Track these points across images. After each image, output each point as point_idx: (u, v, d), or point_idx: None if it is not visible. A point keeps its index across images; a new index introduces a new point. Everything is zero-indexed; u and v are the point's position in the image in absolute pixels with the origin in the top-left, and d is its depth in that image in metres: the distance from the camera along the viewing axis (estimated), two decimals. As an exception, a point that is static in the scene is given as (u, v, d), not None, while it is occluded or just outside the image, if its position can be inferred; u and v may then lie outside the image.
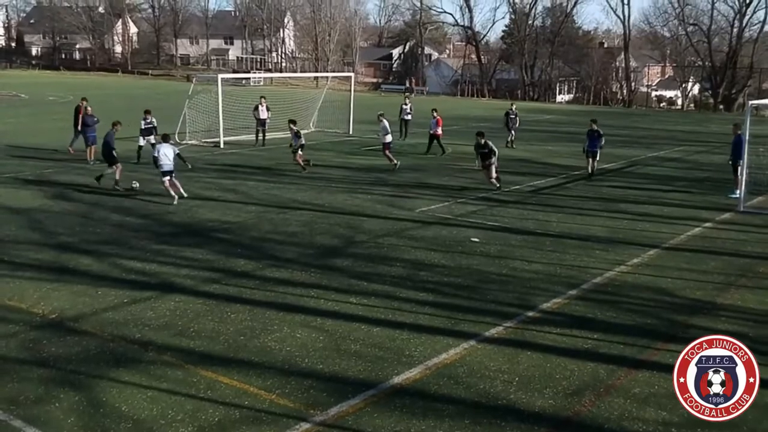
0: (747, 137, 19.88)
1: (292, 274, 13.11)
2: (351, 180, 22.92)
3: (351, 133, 35.79)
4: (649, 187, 22.06)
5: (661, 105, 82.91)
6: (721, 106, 73.52)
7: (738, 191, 20.34)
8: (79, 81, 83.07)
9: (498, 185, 21.37)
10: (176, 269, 13.14)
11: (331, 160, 26.82)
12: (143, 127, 25.36)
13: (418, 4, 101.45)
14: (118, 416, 7.90)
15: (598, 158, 24.18)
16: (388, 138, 25.10)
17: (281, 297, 11.84)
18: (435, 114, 29.37)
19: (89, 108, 25.52)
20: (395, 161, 24.92)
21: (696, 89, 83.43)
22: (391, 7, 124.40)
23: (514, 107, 33.47)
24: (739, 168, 20.37)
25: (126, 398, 8.29)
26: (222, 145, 29.86)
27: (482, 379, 8.99)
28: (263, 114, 30.81)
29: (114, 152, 20.47)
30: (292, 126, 24.28)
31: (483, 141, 21.37)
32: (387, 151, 25.07)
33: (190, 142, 30.65)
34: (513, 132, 32.29)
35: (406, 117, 33.13)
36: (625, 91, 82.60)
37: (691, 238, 16.49)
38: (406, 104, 33.47)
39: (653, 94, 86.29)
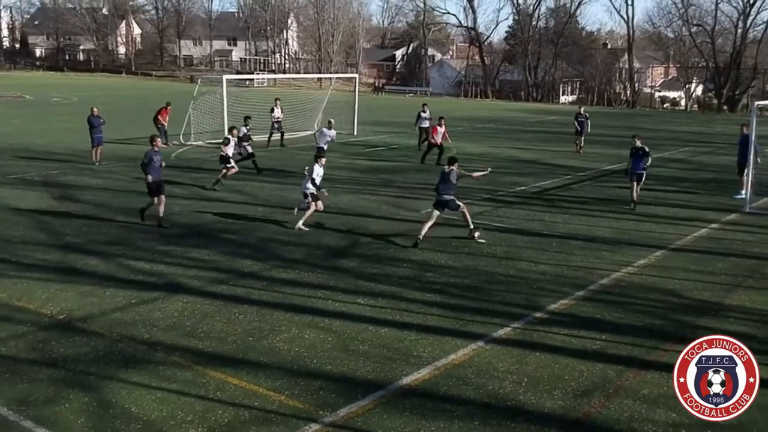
0: (753, 138, 19.85)
1: (299, 274, 13.12)
2: (356, 181, 22.93)
3: (356, 134, 35.80)
4: (654, 188, 22.02)
5: (665, 106, 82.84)
6: (725, 107, 73.43)
7: (743, 192, 20.35)
8: (83, 82, 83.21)
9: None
10: (183, 270, 13.16)
11: (336, 161, 26.77)
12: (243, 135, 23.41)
13: (422, 5, 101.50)
14: (127, 417, 7.91)
15: (642, 181, 19.62)
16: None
17: (289, 298, 11.85)
18: (442, 122, 27.43)
19: (95, 109, 25.54)
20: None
21: (699, 90, 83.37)
22: (395, 8, 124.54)
23: (583, 110, 32.64)
24: (746, 169, 20.36)
25: (135, 399, 8.30)
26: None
27: (491, 380, 8.99)
28: (278, 114, 30.88)
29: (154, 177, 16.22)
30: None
31: None
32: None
33: (195, 143, 30.68)
34: (583, 136, 31.53)
35: (423, 125, 30.80)
36: (628, 92, 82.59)
37: (697, 239, 16.47)
38: (424, 111, 31.29)
39: (657, 95, 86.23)
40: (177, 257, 13.99)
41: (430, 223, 15.43)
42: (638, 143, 19.39)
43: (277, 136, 30.91)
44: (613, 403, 8.50)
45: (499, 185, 22.47)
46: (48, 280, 12.43)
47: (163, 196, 16.31)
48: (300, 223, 16.22)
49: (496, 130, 37.34)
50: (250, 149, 23.73)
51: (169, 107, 30.31)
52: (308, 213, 16.34)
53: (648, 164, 19.55)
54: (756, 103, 23.11)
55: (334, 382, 8.86)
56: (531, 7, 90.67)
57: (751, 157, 19.85)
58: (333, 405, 8.25)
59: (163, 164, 16.62)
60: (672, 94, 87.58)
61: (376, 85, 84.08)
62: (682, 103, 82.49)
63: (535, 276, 13.38)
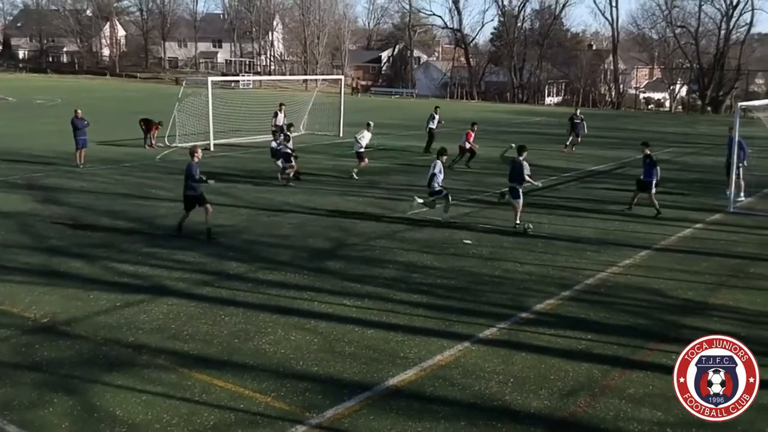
0: (736, 139, 19.98)
1: (285, 276, 13.08)
2: (342, 182, 22.90)
3: (342, 135, 35.78)
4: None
5: (650, 107, 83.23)
6: (709, 108, 73.87)
7: (729, 192, 20.52)
8: (67, 84, 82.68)
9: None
10: (168, 272, 13.10)
11: (322, 163, 26.80)
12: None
13: (407, 7, 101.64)
14: (112, 420, 7.86)
15: (652, 191, 18.76)
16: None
17: (275, 299, 11.82)
18: (474, 127, 27.60)
19: (79, 111, 25.38)
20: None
21: (684, 91, 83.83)
22: (380, 9, 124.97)
23: (579, 111, 33.35)
24: (740, 170, 20.55)
25: (120, 402, 8.24)
26: (212, 148, 29.76)
27: (477, 381, 9.00)
28: (281, 120, 30.93)
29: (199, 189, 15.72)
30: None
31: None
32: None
33: (180, 145, 30.56)
34: (579, 138, 31.94)
35: (431, 126, 31.10)
36: (613, 93, 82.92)
37: (682, 239, 16.56)
38: (436, 113, 31.48)
39: (641, 96, 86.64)
40: (162, 259, 13.93)
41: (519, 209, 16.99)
42: (647, 151, 19.21)
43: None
44: (599, 402, 8.53)
45: (485, 186, 22.50)
46: (31, 284, 12.33)
47: (208, 205, 15.54)
48: (447, 215, 17.59)
49: (481, 131, 37.20)
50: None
51: (160, 126, 30.71)
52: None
53: (658, 179, 18.91)
54: (739, 104, 23.26)
55: (320, 383, 8.84)
56: (516, 9, 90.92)
57: (734, 157, 19.97)
58: (319, 406, 8.23)
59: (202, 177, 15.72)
60: (657, 96, 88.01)
61: (354, 86, 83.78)
62: (667, 104, 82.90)
63: (520, 276, 13.41)
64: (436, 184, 17.42)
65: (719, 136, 39.29)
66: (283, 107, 31.47)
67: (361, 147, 23.88)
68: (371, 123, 25.00)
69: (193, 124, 31.46)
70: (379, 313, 11.33)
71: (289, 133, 23.74)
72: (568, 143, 32.02)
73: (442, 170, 17.54)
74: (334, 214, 18.22)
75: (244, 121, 33.70)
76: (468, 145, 26.80)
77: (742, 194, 20.83)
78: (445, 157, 17.86)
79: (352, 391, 8.62)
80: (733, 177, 19.82)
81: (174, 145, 30.40)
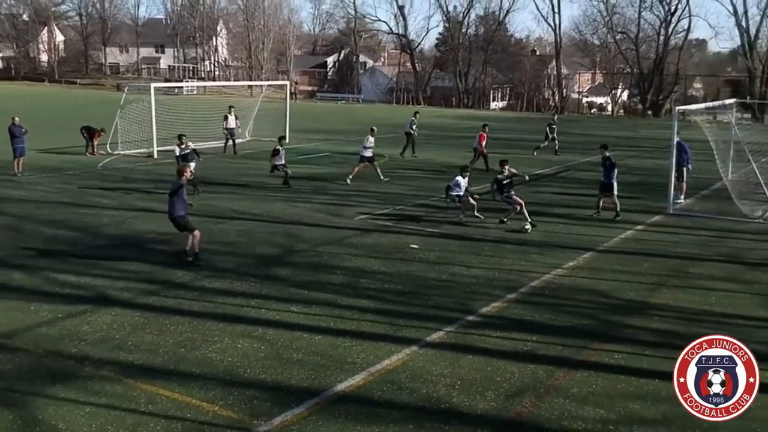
0: (674, 142, 20.49)
1: (231, 284, 12.98)
2: (289, 189, 22.80)
3: (288, 141, 35.59)
4: (583, 192, 22.48)
5: (592, 111, 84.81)
6: (650, 112, 75.61)
7: (682, 196, 21.13)
8: (3, 91, 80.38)
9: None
10: (112, 282, 12.88)
11: (268, 169, 26.61)
12: (179, 154, 22.03)
13: (353, 13, 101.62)
14: (55, 434, 7.71)
15: (614, 192, 19.22)
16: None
17: (221, 308, 11.72)
18: (486, 129, 28.37)
19: (17, 119, 24.78)
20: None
21: (625, 95, 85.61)
22: (326, 15, 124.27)
23: (556, 118, 35.20)
24: (685, 172, 21.10)
25: (63, 415, 8.09)
26: (156, 156, 29.37)
27: (425, 384, 9.06)
28: (232, 123, 30.99)
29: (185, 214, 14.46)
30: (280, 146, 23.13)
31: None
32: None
33: (122, 152, 30.10)
34: (556, 142, 33.42)
35: (407, 130, 31.42)
36: (557, 98, 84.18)
37: (624, 241, 16.92)
38: (415, 119, 31.85)
39: (584, 100, 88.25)
40: (105, 269, 13.69)
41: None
42: (606, 153, 19.73)
43: (230, 144, 31.01)
44: (544, 402, 8.67)
45: (432, 191, 22.64)
46: (-31, 296, 12.01)
47: (196, 231, 14.26)
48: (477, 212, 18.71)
49: (428, 136, 37.55)
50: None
51: (102, 133, 30.38)
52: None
53: (615, 175, 19.41)
54: (677, 108, 23.85)
55: (268, 390, 8.80)
56: (460, 15, 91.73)
57: (673, 159, 20.47)
58: (267, 413, 8.19)
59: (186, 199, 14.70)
60: (599, 100, 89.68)
61: (293, 91, 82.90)
62: (609, 108, 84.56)
63: (467, 280, 13.54)
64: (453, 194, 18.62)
65: (660, 139, 40.26)
66: (233, 110, 31.43)
67: (368, 152, 24.10)
68: (375, 128, 25.09)
69: (136, 131, 30.99)
70: (326, 319, 11.33)
71: (280, 147, 23.21)
72: (541, 146, 33.26)
73: (461, 185, 18.50)
74: (280, 220, 18.14)
75: (189, 128, 33.28)
76: (481, 147, 27.76)
77: (682, 196, 21.39)
78: (467, 173, 19.01)
79: (300, 397, 8.60)
80: (672, 179, 20.31)
81: (116, 152, 29.92)
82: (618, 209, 19.09)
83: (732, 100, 29.07)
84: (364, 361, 9.68)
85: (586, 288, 13.19)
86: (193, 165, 20.42)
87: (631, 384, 9.17)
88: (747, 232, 17.92)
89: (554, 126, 33.99)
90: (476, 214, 18.68)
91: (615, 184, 19.32)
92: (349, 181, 23.70)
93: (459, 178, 18.61)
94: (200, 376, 9.15)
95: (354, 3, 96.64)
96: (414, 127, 31.37)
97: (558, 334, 10.83)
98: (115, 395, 8.58)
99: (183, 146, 21.88)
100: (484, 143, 27.81)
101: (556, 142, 33.58)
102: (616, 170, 19.50)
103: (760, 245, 16.69)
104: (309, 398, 8.58)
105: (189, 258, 14.16)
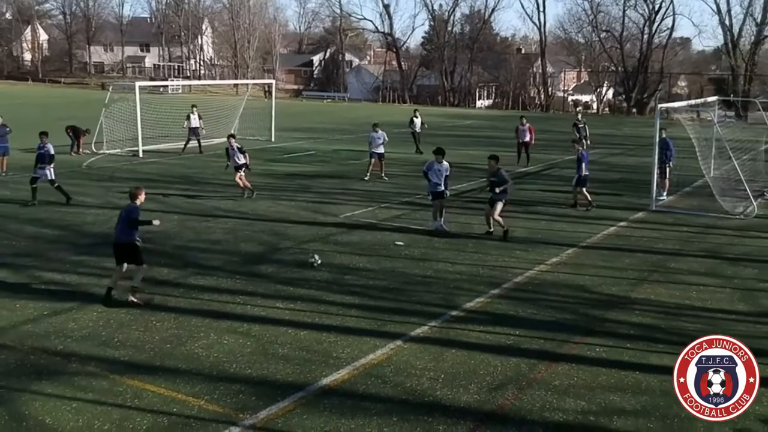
0: (657, 139, 20.71)
1: (217, 281, 13.05)
2: (274, 187, 22.86)
3: (273, 140, 35.68)
4: (566, 189, 22.64)
5: (578, 109, 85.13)
6: (634, 110, 76.15)
7: (665, 192, 21.35)
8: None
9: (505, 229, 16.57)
10: (97, 279, 12.89)
11: (253, 168, 26.64)
12: (240, 148, 20.91)
13: (338, 11, 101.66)
14: (42, 429, 7.76)
15: (585, 185, 20.09)
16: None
17: (207, 304, 11.79)
18: (524, 122, 29.27)
19: (0, 117, 24.69)
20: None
21: (610, 93, 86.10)
22: (311, 13, 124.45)
23: (581, 116, 34.34)
24: (667, 169, 21.33)
25: (49, 411, 8.14)
26: (141, 155, 29.35)
27: (409, 378, 9.17)
28: (195, 123, 30.55)
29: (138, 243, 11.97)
30: (232, 141, 20.90)
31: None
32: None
33: (107, 151, 30.04)
34: (588, 141, 31.58)
35: (415, 129, 32.76)
36: (542, 96, 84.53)
37: (606, 237, 17.10)
38: (416, 117, 32.93)
39: (569, 98, 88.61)
40: (90, 267, 13.71)
41: None
42: (579, 148, 20.54)
43: (194, 143, 30.63)
44: (526, 394, 8.79)
45: (417, 188, 22.74)
46: (-46, 294, 12.00)
47: (144, 265, 11.99)
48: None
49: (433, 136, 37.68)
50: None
51: (87, 133, 30.36)
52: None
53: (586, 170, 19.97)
54: (659, 105, 24.08)
55: (253, 385, 8.88)
56: (446, 13, 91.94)
57: (656, 157, 20.69)
58: (253, 407, 8.27)
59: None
60: (584, 98, 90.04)
61: (266, 89, 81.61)
62: (594, 106, 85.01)
63: (451, 276, 13.66)
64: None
65: (644, 137, 40.57)
66: (196, 109, 30.93)
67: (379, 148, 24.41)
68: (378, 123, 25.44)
69: (121, 130, 30.94)
70: (312, 314, 11.41)
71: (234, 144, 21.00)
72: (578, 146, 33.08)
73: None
74: (265, 218, 18.20)
75: (174, 127, 33.28)
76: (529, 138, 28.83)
77: (664, 193, 21.62)
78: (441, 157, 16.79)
79: (285, 391, 8.69)
80: (655, 175, 20.52)
81: (101, 151, 29.86)
82: (578, 201, 20.23)
83: (714, 98, 29.32)
84: (349, 356, 9.78)
85: (569, 283, 13.34)
86: (242, 160, 20.46)
87: (611, 376, 9.31)
88: (728, 228, 18.14)
89: (581, 125, 31.70)
90: (443, 224, 16.99)
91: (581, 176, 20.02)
92: (366, 178, 24.31)
93: (434, 163, 16.89)
94: (186, 371, 9.22)
95: (339, 1, 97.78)
96: (415, 124, 32.06)
97: (540, 328, 10.97)
98: (101, 390, 8.64)
99: (238, 146, 20.88)
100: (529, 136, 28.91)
101: (587, 140, 31.66)
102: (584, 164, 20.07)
103: (741, 241, 16.92)
104: (294, 392, 8.67)
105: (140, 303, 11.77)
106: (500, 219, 16.35)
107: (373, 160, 24.73)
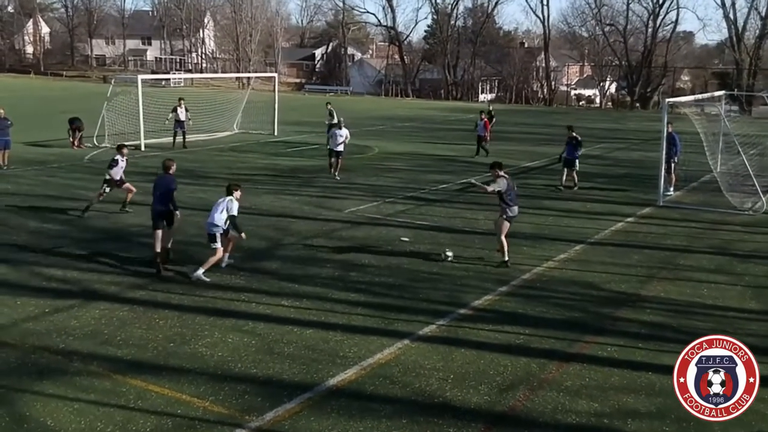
0: (664, 134, 20.49)
1: (221, 278, 12.86)
2: (277, 182, 22.68)
3: (276, 134, 35.48)
4: (570, 184, 22.47)
5: (581, 103, 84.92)
6: (638, 104, 75.86)
7: (671, 188, 21.17)
8: (-10, 83, 79.93)
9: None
10: (99, 276, 12.73)
11: (256, 162, 26.51)
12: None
13: (341, 5, 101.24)
14: (43, 430, 7.59)
15: (575, 167, 22.33)
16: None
17: (211, 302, 11.61)
18: (483, 116, 30.29)
19: (1, 111, 24.48)
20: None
21: (613, 88, 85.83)
22: (313, 7, 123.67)
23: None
24: (673, 164, 21.14)
25: (51, 411, 7.97)
26: (143, 148, 29.16)
27: (417, 378, 9.00)
28: (182, 116, 30.13)
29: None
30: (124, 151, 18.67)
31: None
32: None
33: (109, 145, 29.83)
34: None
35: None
36: (545, 90, 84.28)
37: (614, 233, 16.90)
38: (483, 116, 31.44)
39: (572, 92, 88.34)
40: (92, 263, 13.53)
41: None
42: (573, 134, 22.22)
43: (179, 137, 30.14)
44: (537, 395, 8.62)
45: (421, 183, 22.60)
46: (-46, 291, 11.83)
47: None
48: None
49: (417, 128, 37.59)
50: None
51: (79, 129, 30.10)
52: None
53: (580, 153, 22.37)
54: (666, 100, 23.87)
55: (259, 385, 8.71)
56: (449, 7, 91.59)
57: (663, 152, 20.49)
58: (259, 409, 8.10)
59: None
60: (587, 92, 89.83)
61: (245, 82, 78.84)
62: (597, 100, 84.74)
63: (458, 273, 13.47)
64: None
65: (648, 131, 40.38)
66: (183, 101, 30.28)
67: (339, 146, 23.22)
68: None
69: (123, 124, 30.73)
70: (317, 312, 11.23)
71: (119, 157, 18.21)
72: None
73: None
74: (268, 213, 18.02)
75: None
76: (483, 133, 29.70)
77: (671, 188, 21.42)
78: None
79: (291, 392, 8.51)
80: (662, 171, 20.33)
81: (103, 145, 29.65)
82: (576, 182, 22.07)
83: (721, 92, 29.09)
84: (356, 356, 9.60)
85: (577, 280, 13.15)
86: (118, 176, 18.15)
87: (624, 377, 9.14)
88: (737, 224, 17.95)
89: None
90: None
91: (577, 161, 22.23)
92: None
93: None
94: (190, 371, 9.05)
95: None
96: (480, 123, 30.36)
97: (550, 327, 10.79)
98: (104, 391, 8.46)
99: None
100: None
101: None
102: (581, 149, 22.43)
103: (750, 237, 16.73)
104: (301, 393, 8.50)
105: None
106: (505, 243, 13.95)
107: (332, 159, 23.53)
